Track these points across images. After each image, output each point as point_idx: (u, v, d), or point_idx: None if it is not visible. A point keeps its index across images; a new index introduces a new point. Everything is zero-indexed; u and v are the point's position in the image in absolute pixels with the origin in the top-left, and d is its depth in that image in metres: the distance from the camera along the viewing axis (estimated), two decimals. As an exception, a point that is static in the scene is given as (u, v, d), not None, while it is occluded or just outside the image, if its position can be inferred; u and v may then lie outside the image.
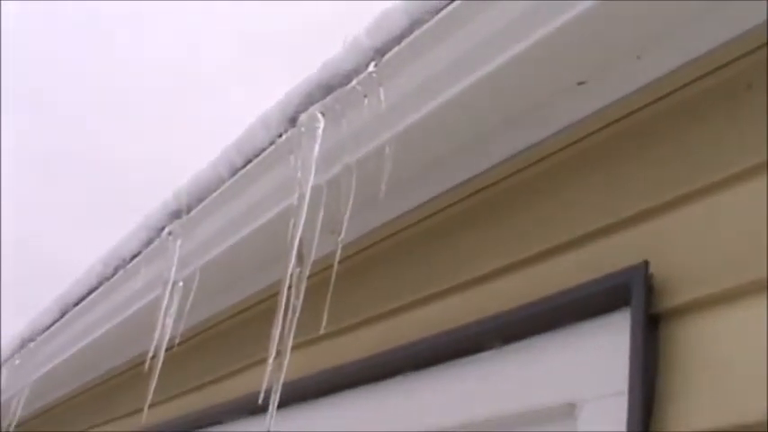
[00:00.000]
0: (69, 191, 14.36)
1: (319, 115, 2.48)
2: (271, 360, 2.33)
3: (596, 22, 1.94)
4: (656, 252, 1.91)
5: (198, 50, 14.43)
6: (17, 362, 5.24)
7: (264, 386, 2.32)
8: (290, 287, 2.41)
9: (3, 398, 5.33)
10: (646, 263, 1.90)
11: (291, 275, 2.42)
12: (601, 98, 2.15)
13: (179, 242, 3.31)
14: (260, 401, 2.31)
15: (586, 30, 1.97)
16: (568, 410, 1.98)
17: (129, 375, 4.49)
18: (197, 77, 14.13)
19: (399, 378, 2.49)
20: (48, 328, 4.82)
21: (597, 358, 1.96)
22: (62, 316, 4.64)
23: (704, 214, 1.88)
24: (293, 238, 2.42)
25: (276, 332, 2.35)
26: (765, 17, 1.84)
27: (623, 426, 1.81)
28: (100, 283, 4.11)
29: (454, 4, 2.11)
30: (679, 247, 1.90)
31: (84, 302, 4.32)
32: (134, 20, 14.44)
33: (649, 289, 1.88)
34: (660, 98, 2.05)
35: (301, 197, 2.43)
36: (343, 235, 2.36)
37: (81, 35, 14.46)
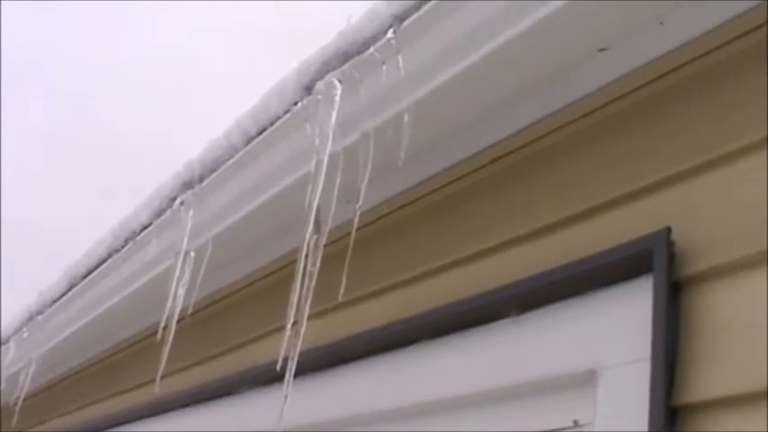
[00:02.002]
0: (76, 174, 14.38)
1: (336, 82, 2.47)
2: (288, 327, 2.32)
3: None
4: (678, 219, 1.91)
5: (207, 36, 14.42)
6: (25, 335, 5.24)
7: (282, 354, 2.31)
8: (306, 255, 2.40)
9: (11, 371, 5.33)
10: (668, 229, 1.90)
11: (308, 243, 2.41)
12: (622, 65, 2.14)
13: (191, 212, 3.30)
14: (278, 368, 2.30)
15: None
16: (589, 377, 1.98)
17: (140, 347, 4.49)
18: (207, 62, 14.13)
19: (416, 346, 2.49)
20: (56, 300, 4.82)
21: (618, 325, 1.96)
22: (70, 288, 4.64)
23: (726, 181, 1.87)
24: (310, 205, 2.42)
25: (294, 299, 2.35)
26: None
27: (645, 392, 1.81)
28: (109, 255, 4.10)
29: (475, -31, 2.10)
30: (701, 213, 1.89)
31: (93, 274, 4.31)
32: (146, 4, 14.41)
33: (671, 255, 1.88)
34: (683, 65, 2.04)
35: (319, 164, 2.43)
36: (360, 202, 2.36)
37: (89, 19, 14.45)
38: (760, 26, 1.89)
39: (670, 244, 1.88)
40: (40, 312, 5.04)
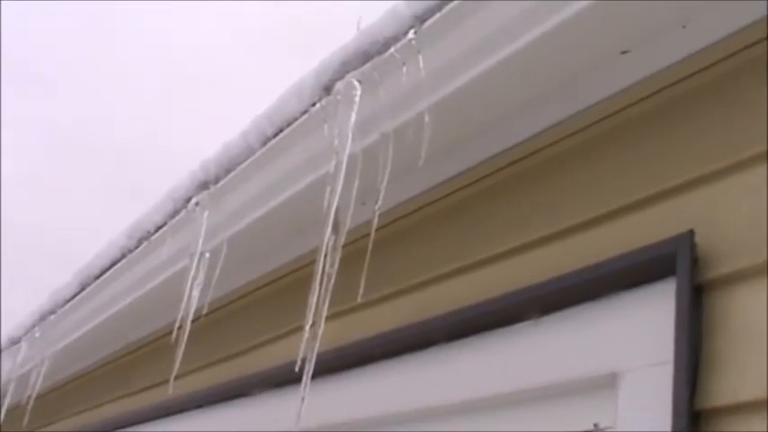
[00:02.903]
0: (83, 176, 14.39)
1: (356, 83, 2.46)
2: (307, 328, 2.31)
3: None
4: (702, 222, 1.90)
5: (200, 41, 14.43)
6: (37, 334, 5.25)
7: (301, 355, 2.30)
8: (324, 256, 2.40)
9: (22, 371, 5.34)
10: (691, 232, 1.89)
11: (326, 245, 2.41)
12: (645, 67, 2.13)
13: (206, 213, 3.29)
14: (296, 369, 2.30)
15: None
16: (610, 381, 1.97)
17: (153, 348, 4.49)
18: (200, 66, 14.14)
19: (435, 349, 2.48)
20: (68, 301, 4.83)
21: (641, 328, 1.95)
22: (82, 289, 4.64)
23: (750, 184, 1.86)
24: (329, 206, 2.41)
25: (312, 301, 2.34)
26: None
27: (667, 395, 1.80)
28: (123, 256, 4.10)
29: (498, -30, 2.09)
30: (724, 217, 1.88)
31: (105, 275, 4.31)
32: (156, 3, 14.42)
33: (695, 259, 1.87)
34: (706, 68, 2.03)
35: (338, 165, 2.42)
36: (380, 203, 2.35)
37: (93, 20, 14.47)
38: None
39: (693, 247, 1.88)
40: (52, 312, 5.04)
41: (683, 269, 1.86)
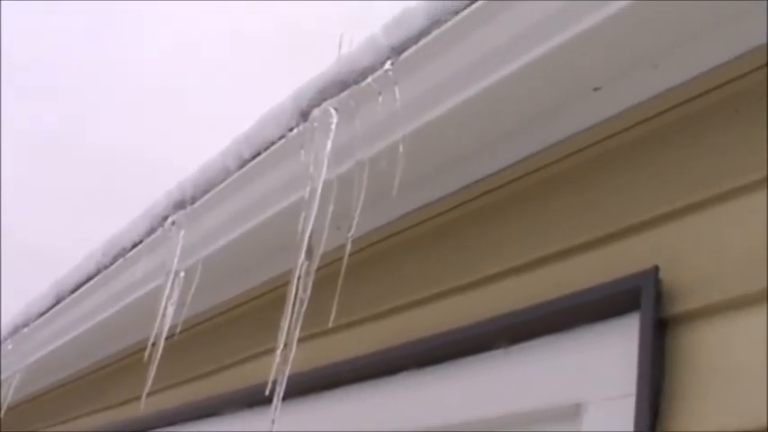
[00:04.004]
0: (63, 179, 14.33)
1: (333, 111, 2.49)
2: (278, 352, 2.34)
3: (614, 30, 1.96)
4: (667, 258, 1.94)
5: (199, 43, 14.41)
6: (9, 347, 5.24)
7: (271, 378, 2.33)
8: (298, 279, 2.42)
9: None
10: (656, 268, 1.93)
11: (300, 269, 2.43)
12: (615, 104, 2.17)
13: (182, 233, 3.32)
14: (266, 393, 2.32)
15: (604, 37, 1.99)
16: (574, 411, 2.00)
17: (126, 364, 4.49)
18: (198, 70, 14.12)
19: (405, 374, 2.50)
20: (43, 314, 4.82)
21: (605, 360, 1.99)
22: (58, 302, 4.64)
23: (714, 222, 1.91)
24: (303, 231, 2.44)
25: (284, 325, 2.37)
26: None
27: (629, 428, 1.83)
28: (98, 271, 4.11)
29: (474, 6, 2.12)
30: (689, 253, 1.92)
31: (81, 289, 4.32)
32: (135, 13, 14.41)
33: (659, 294, 1.91)
34: (674, 107, 2.08)
35: (313, 191, 2.45)
36: (353, 230, 2.38)
37: (80, 27, 14.44)
38: (752, 71, 1.94)
39: (658, 282, 1.91)
40: (25, 325, 5.03)
41: (648, 304, 1.90)
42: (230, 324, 3.72)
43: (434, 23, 2.22)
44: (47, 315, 4.75)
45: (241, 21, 14.30)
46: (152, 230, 3.56)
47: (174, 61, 14.33)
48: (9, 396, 5.05)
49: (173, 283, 3.29)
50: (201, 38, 14.52)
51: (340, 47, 2.60)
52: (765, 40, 1.90)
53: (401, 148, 2.32)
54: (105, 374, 4.88)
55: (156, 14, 14.39)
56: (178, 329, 3.26)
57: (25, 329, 5.02)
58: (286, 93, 2.75)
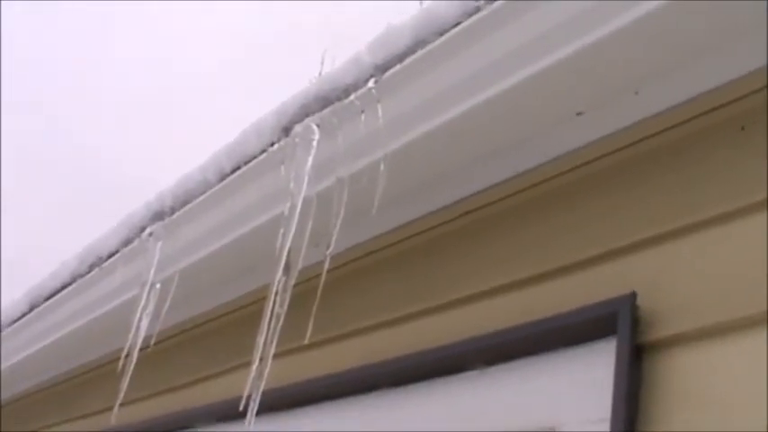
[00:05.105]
0: (46, 188, 14.26)
1: (315, 127, 2.49)
2: (254, 367, 2.33)
3: (597, 56, 1.97)
4: (644, 284, 1.95)
5: (186, 54, 14.38)
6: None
7: (246, 392, 2.32)
8: (275, 295, 2.42)
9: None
10: (633, 294, 1.94)
11: (277, 285, 2.43)
12: (597, 130, 2.18)
13: (159, 244, 3.30)
14: (240, 408, 2.31)
15: (587, 63, 2.00)
16: (548, 435, 2.01)
17: (99, 374, 4.46)
18: (186, 81, 14.09)
19: (380, 393, 2.51)
20: (16, 320, 4.79)
21: (581, 385, 1.99)
22: (31, 310, 4.61)
23: (693, 250, 1.92)
24: (282, 247, 2.43)
25: (260, 340, 2.36)
26: (765, 62, 1.88)
27: (603, 452, 1.84)
28: (73, 279, 4.09)
29: (460, 27, 2.13)
30: (667, 280, 1.93)
31: (55, 297, 4.29)
32: (123, 24, 14.38)
33: (636, 320, 1.92)
34: (655, 134, 2.09)
35: (293, 208, 2.45)
36: (332, 247, 2.38)
37: (68, 37, 14.39)
38: (732, 101, 1.95)
39: (635, 308, 1.93)
40: (-2, 331, 5.00)
41: (624, 329, 1.91)
42: (205, 337, 3.70)
43: (420, 43, 2.23)
44: (19, 322, 4.72)
45: (235, 25, 14.28)
46: (129, 240, 3.54)
47: (165, 65, 14.30)
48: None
49: (148, 294, 3.28)
50: (192, 43, 14.49)
51: (322, 63, 2.61)
52: (765, 62, 1.91)
53: (382, 167, 2.32)
54: (77, 384, 4.85)
55: (141, 27, 14.39)
56: (153, 341, 3.25)
57: (-3, 336, 4.99)
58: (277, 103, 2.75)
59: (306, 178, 2.46)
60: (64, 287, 4.18)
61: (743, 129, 1.92)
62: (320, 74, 2.55)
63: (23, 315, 4.68)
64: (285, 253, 2.44)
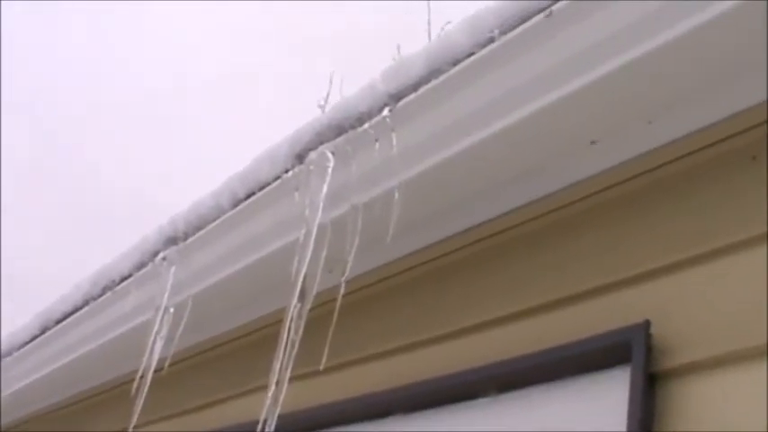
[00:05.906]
0: (50, 204, 14.29)
1: (329, 154, 2.51)
2: (269, 394, 2.35)
3: (611, 87, 2.00)
4: (658, 312, 1.97)
5: (191, 62, 14.41)
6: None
7: (262, 418, 2.33)
8: (290, 322, 2.43)
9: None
10: (647, 322, 1.95)
11: (292, 311, 2.44)
12: (611, 158, 2.20)
13: (173, 269, 3.32)
14: (257, 432, 2.33)
15: (601, 93, 2.02)
16: (562, 462, 2.02)
17: (111, 396, 4.47)
18: (189, 95, 14.12)
19: (393, 419, 2.51)
20: (27, 343, 4.80)
21: (594, 412, 2.01)
22: (42, 332, 4.62)
23: (706, 279, 1.94)
24: (297, 273, 2.45)
25: (276, 366, 2.37)
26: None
27: (617, 480, 1.85)
28: (86, 302, 4.10)
29: (473, 57, 2.15)
30: (680, 309, 1.95)
31: (67, 320, 4.30)
32: (124, 33, 14.43)
33: (649, 348, 1.93)
34: (668, 162, 2.11)
35: (308, 234, 2.46)
36: (347, 274, 2.39)
37: (68, 37, 14.44)
38: (742, 131, 1.97)
39: (648, 337, 1.94)
40: (8, 354, 5.01)
41: (638, 358, 1.93)
42: (219, 361, 3.71)
43: (434, 72, 2.25)
44: (30, 345, 4.72)
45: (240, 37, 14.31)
46: (142, 265, 3.56)
47: (169, 79, 14.34)
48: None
49: (162, 318, 3.29)
50: (194, 57, 14.51)
51: (331, 83, 2.63)
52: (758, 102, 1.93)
53: (396, 195, 2.34)
54: (90, 406, 4.85)
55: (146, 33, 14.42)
56: (166, 364, 3.26)
57: (8, 358, 5.00)
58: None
59: (321, 205, 2.47)
60: (76, 310, 4.19)
61: (754, 158, 1.94)
62: (328, 94, 2.57)
63: (35, 338, 4.69)
64: (300, 279, 2.45)
